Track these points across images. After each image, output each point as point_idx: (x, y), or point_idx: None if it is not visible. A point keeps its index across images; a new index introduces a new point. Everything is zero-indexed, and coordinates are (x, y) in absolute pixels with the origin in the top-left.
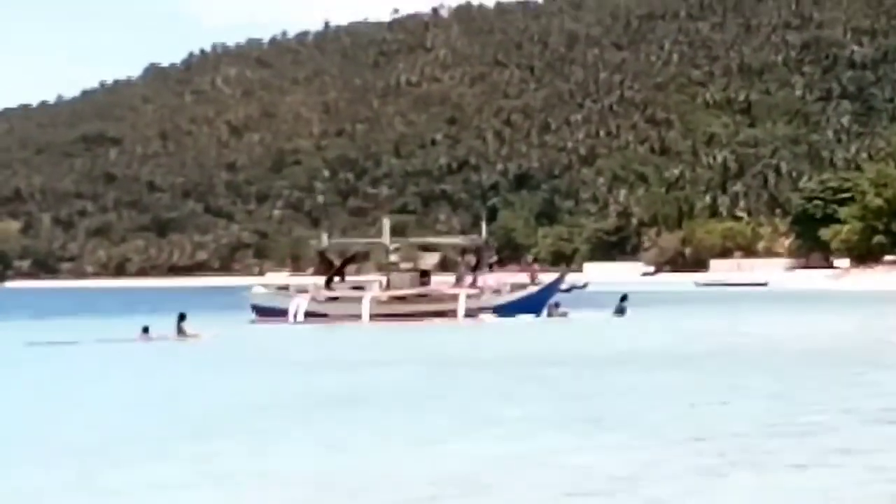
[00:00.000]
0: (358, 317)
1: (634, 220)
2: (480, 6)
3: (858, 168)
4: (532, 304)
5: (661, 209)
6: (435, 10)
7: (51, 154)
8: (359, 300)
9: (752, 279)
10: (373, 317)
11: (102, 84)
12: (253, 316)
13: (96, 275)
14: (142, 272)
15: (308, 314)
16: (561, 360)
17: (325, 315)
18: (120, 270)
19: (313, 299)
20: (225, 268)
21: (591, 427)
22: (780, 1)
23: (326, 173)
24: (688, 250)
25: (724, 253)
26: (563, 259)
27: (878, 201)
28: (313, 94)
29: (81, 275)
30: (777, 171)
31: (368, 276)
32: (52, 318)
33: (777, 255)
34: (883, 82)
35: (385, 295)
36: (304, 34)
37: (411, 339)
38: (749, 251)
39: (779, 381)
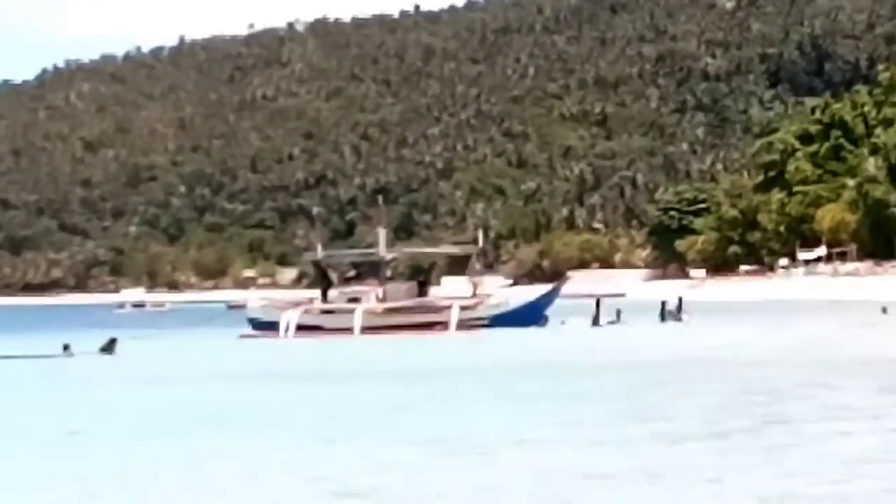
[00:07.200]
0: (352, 329)
1: (492, 234)
2: (336, 20)
3: (713, 179)
4: (530, 315)
5: (518, 222)
6: (291, 25)
7: None
8: (353, 312)
9: (611, 290)
10: (367, 329)
11: None
12: (247, 330)
13: None
14: None
15: (303, 327)
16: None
17: (319, 328)
18: None
19: (307, 312)
20: (80, 285)
21: None
22: (635, 14)
23: (182, 189)
24: (546, 263)
25: (582, 265)
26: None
27: (733, 212)
28: (168, 110)
29: None
30: (633, 183)
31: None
32: None
33: (634, 266)
34: (736, 94)
35: (380, 307)
36: (159, 49)
37: (336, 352)
38: (606, 263)
39: None
